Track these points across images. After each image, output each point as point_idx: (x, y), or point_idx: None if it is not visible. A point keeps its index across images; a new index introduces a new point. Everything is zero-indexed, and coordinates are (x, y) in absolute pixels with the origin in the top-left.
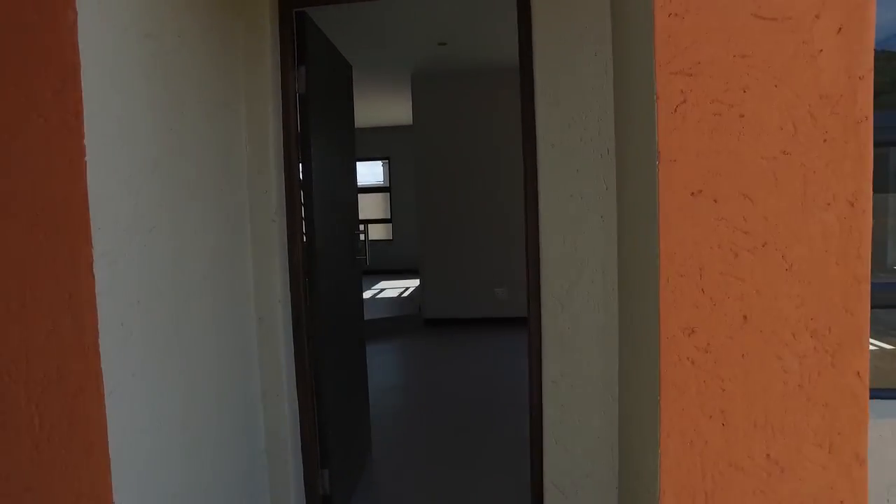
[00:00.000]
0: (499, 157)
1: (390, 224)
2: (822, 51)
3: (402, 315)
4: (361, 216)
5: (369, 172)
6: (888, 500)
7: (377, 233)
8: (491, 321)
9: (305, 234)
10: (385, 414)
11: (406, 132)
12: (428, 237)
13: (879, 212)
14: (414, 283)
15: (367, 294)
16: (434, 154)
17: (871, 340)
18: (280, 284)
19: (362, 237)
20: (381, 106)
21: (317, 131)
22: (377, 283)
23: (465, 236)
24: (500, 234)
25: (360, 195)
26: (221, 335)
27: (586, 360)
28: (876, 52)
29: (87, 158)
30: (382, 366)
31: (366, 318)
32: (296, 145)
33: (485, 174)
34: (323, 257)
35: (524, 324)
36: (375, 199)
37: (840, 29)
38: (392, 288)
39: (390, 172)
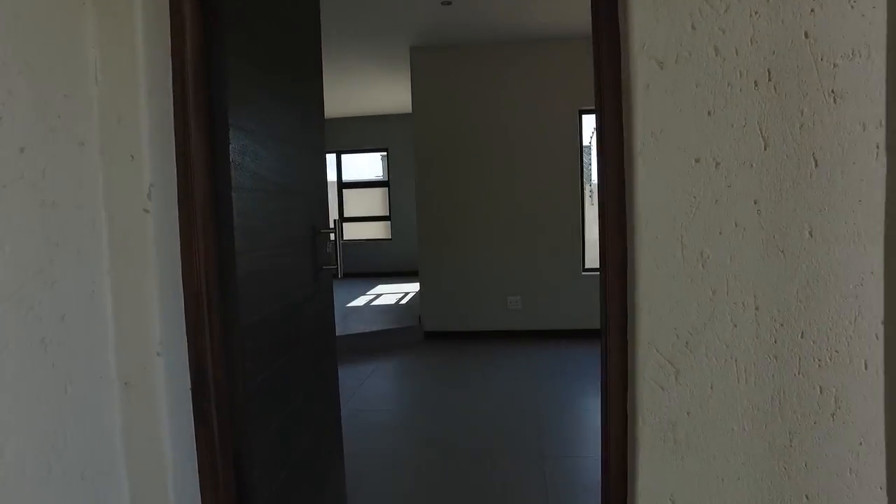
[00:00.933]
0: (514, 144)
1: (389, 222)
2: None
3: (398, 328)
4: (356, 213)
5: (367, 165)
6: None
7: (375, 231)
8: (502, 335)
9: (221, 235)
10: (365, 473)
11: (407, 121)
12: (428, 237)
13: None
14: (415, 288)
15: (360, 301)
16: (436, 140)
17: None
18: (163, 321)
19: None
20: (378, 90)
21: (245, 73)
22: (373, 287)
23: (473, 235)
24: (515, 233)
25: (356, 190)
26: (40, 420)
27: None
28: None
29: None
30: (367, 395)
31: (356, 331)
32: (197, 87)
33: (497, 164)
34: (255, 273)
35: (542, 339)
36: (373, 195)
37: None
38: (390, 293)
39: (389, 165)
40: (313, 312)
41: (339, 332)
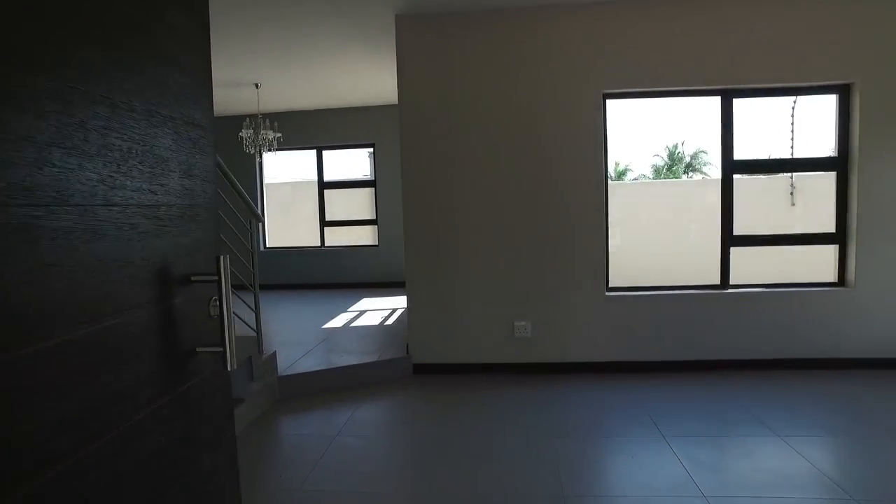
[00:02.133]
0: (523, 136)
1: (376, 226)
2: None
3: (381, 360)
4: (339, 216)
5: (352, 163)
6: None
7: (361, 237)
8: (509, 369)
9: None
10: None
11: (396, 112)
12: (417, 249)
13: None
14: (404, 303)
15: (338, 321)
16: (427, 130)
17: None
18: None
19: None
20: (361, 76)
21: None
22: (356, 301)
23: (472, 246)
24: (524, 244)
25: (339, 191)
26: None
27: None
28: None
29: None
30: (334, 465)
31: (328, 365)
32: None
33: (502, 160)
34: None
35: (558, 374)
36: (359, 197)
37: None
38: (375, 309)
39: (376, 163)
40: (160, 447)
41: (304, 368)
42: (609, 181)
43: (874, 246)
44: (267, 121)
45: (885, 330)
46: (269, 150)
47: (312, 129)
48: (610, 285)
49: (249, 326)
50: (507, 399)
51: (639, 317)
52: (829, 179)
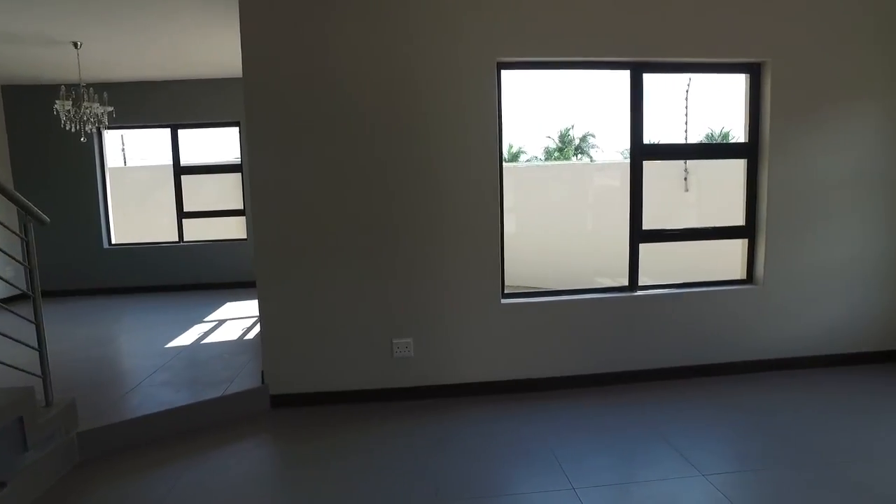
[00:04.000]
0: (402, 110)
1: (245, 217)
2: None
3: (227, 395)
4: (200, 206)
5: (216, 144)
6: None
7: (227, 230)
8: (390, 395)
9: None
10: None
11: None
12: (269, 250)
13: None
14: None
15: (188, 335)
16: (281, 102)
17: None
18: None
19: None
20: (217, 40)
21: None
22: (218, 307)
23: (338, 247)
24: (401, 243)
25: (200, 177)
26: None
27: None
28: None
29: None
30: None
31: (153, 409)
32: None
33: (376, 139)
34: None
35: (447, 398)
36: (224, 183)
37: None
38: (237, 317)
39: (243, 144)
40: None
41: (121, 414)
42: (503, 164)
43: (783, 240)
44: (92, 91)
45: (794, 328)
46: (97, 126)
47: (164, 104)
48: (505, 292)
49: (27, 371)
50: (382, 443)
51: (540, 327)
52: (721, 164)
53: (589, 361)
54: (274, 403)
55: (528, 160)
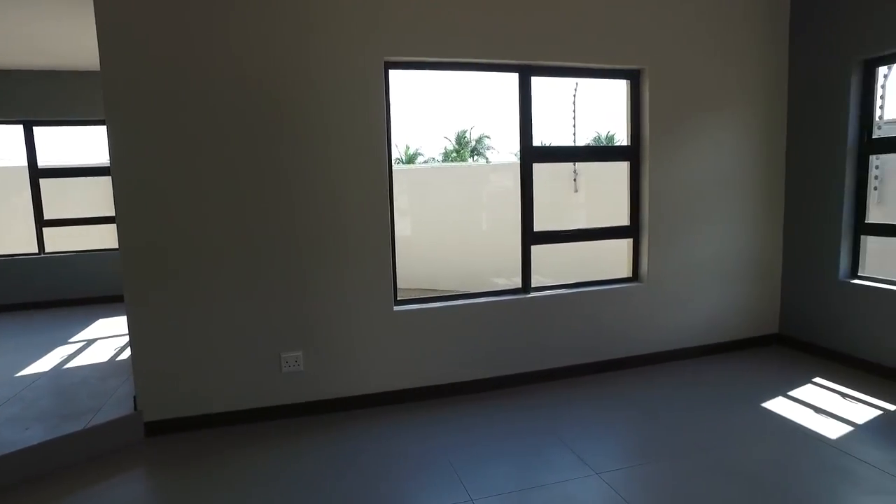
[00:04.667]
0: (286, 108)
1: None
2: None
3: (92, 427)
4: (65, 213)
5: (83, 143)
6: None
7: (99, 239)
8: (280, 413)
9: None
10: None
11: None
12: (139, 259)
13: None
14: None
15: (49, 359)
16: (147, 97)
17: None
18: None
19: None
20: (72, 25)
21: None
22: (90, 324)
23: (218, 253)
24: (288, 248)
25: (63, 181)
26: None
27: None
28: None
29: None
30: None
31: (8, 446)
32: None
33: (258, 138)
34: None
35: (344, 410)
36: (93, 187)
37: None
38: (110, 335)
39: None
40: None
41: None
42: (398, 166)
43: (663, 239)
44: None
45: (676, 322)
46: None
47: (15, 97)
48: (398, 298)
49: None
50: (271, 467)
51: (435, 333)
52: (608, 165)
53: (486, 365)
54: (149, 431)
55: (425, 161)
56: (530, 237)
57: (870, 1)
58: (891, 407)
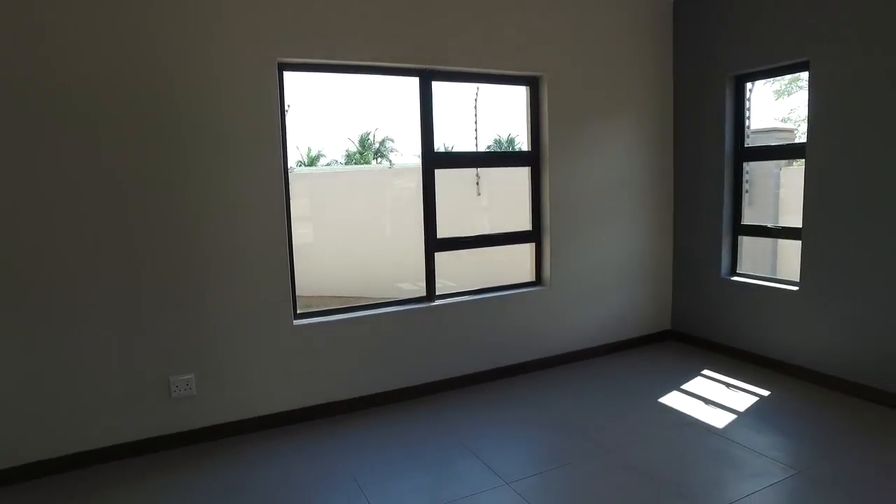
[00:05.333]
0: (170, 115)
1: None
2: None
3: None
4: None
5: None
6: None
7: None
8: (173, 442)
9: None
10: None
11: None
12: None
13: None
14: None
15: None
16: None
17: None
18: None
19: None
20: None
21: None
22: None
23: (86, 273)
24: (172, 262)
25: None
26: None
27: None
28: None
29: None
30: None
31: None
32: None
33: (131, 152)
34: None
35: (242, 434)
36: None
37: None
38: None
39: None
40: None
41: None
42: (299, 169)
43: (565, 242)
44: None
45: (579, 323)
46: None
47: None
48: (298, 312)
49: None
50: None
51: (338, 347)
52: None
53: (393, 376)
54: (3, 480)
55: (328, 163)
56: (434, 244)
57: (739, 23)
58: (766, 393)
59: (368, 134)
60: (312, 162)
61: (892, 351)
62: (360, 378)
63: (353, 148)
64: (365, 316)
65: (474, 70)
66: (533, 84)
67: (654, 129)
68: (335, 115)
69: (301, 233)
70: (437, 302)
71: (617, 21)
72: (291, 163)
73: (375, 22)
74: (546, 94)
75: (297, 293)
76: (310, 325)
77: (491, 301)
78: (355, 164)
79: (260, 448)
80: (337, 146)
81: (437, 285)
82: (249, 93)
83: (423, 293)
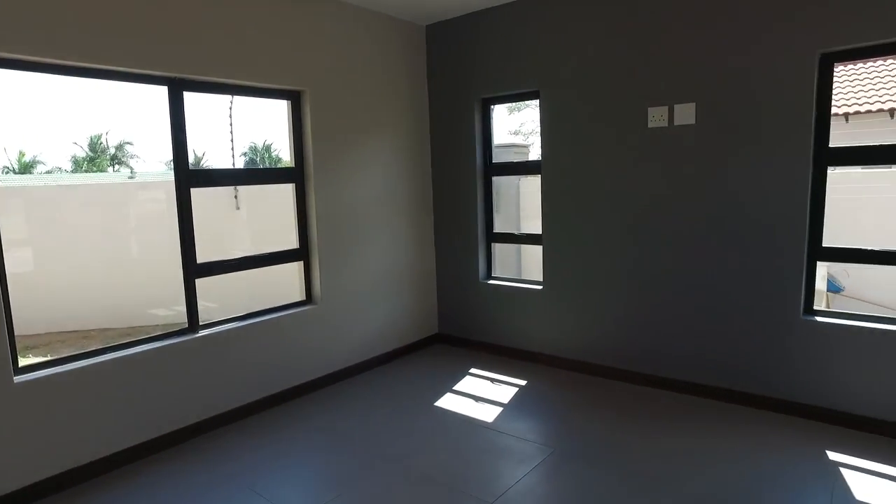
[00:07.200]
0: None
1: None
2: None
3: None
4: None
5: None
6: None
7: None
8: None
9: None
10: None
11: None
12: None
13: None
14: None
15: None
16: None
17: None
18: None
19: None
20: None
21: None
22: None
23: None
24: None
25: None
26: None
27: None
28: None
29: None
30: None
31: None
32: None
33: None
34: None
35: None
36: None
37: None
38: None
39: None
40: None
41: None
42: (7, 177)
43: (333, 259)
44: None
45: (352, 338)
46: None
47: None
48: (20, 365)
49: None
50: None
51: (83, 399)
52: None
53: (159, 421)
54: None
55: (49, 171)
56: (194, 270)
57: (485, 53)
58: (523, 383)
59: (99, 137)
60: (26, 168)
61: (607, 331)
62: (113, 433)
63: (82, 153)
64: (115, 359)
65: (229, 81)
66: (295, 98)
67: (414, 147)
68: (54, 116)
69: (17, 258)
70: (202, 333)
71: (377, 43)
72: None
73: (115, 23)
74: (309, 109)
75: (20, 334)
76: (38, 380)
77: (261, 325)
78: (85, 171)
79: None
80: (60, 151)
81: (199, 309)
82: None
83: (185, 322)
